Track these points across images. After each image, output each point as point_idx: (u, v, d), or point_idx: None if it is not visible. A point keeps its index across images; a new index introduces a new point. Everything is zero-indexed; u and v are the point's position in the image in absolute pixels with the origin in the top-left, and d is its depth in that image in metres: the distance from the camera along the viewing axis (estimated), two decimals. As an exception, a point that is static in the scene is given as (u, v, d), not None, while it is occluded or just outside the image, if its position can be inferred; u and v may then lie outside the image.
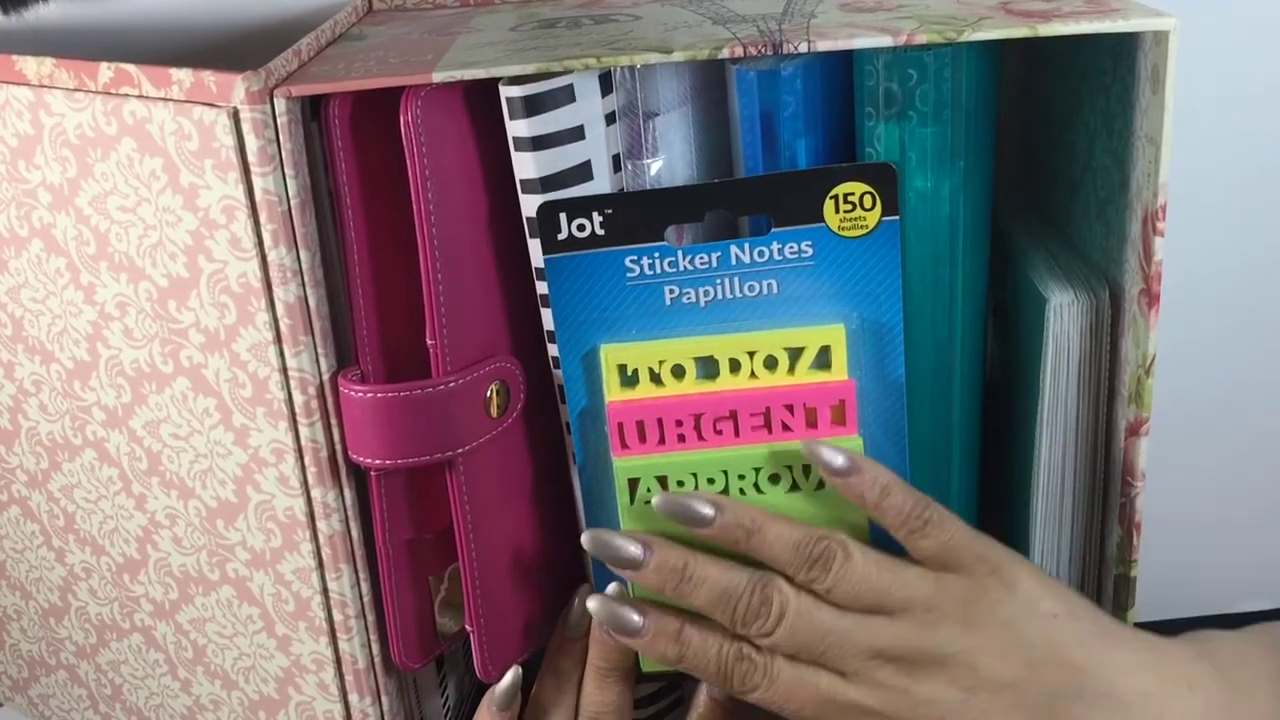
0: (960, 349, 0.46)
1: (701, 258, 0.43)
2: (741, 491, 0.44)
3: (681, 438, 0.44)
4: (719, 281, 0.43)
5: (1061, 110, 0.49)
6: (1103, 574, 0.47)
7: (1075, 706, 0.40)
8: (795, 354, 0.43)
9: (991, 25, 0.39)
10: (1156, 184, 0.40)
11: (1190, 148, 0.49)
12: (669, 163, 0.44)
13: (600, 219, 0.42)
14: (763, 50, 0.39)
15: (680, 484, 0.44)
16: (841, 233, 0.42)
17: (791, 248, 0.43)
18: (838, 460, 0.42)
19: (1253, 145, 0.58)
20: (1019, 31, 0.39)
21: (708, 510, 0.42)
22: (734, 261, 0.43)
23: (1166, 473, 0.51)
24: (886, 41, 0.39)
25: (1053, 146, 0.51)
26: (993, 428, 0.49)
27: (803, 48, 0.39)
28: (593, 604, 0.44)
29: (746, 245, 0.43)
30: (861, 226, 0.42)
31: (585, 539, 0.43)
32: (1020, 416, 0.48)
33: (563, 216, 0.42)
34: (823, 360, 0.43)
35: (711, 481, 0.44)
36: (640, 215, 0.42)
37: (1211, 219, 0.59)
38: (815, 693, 0.42)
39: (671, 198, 0.43)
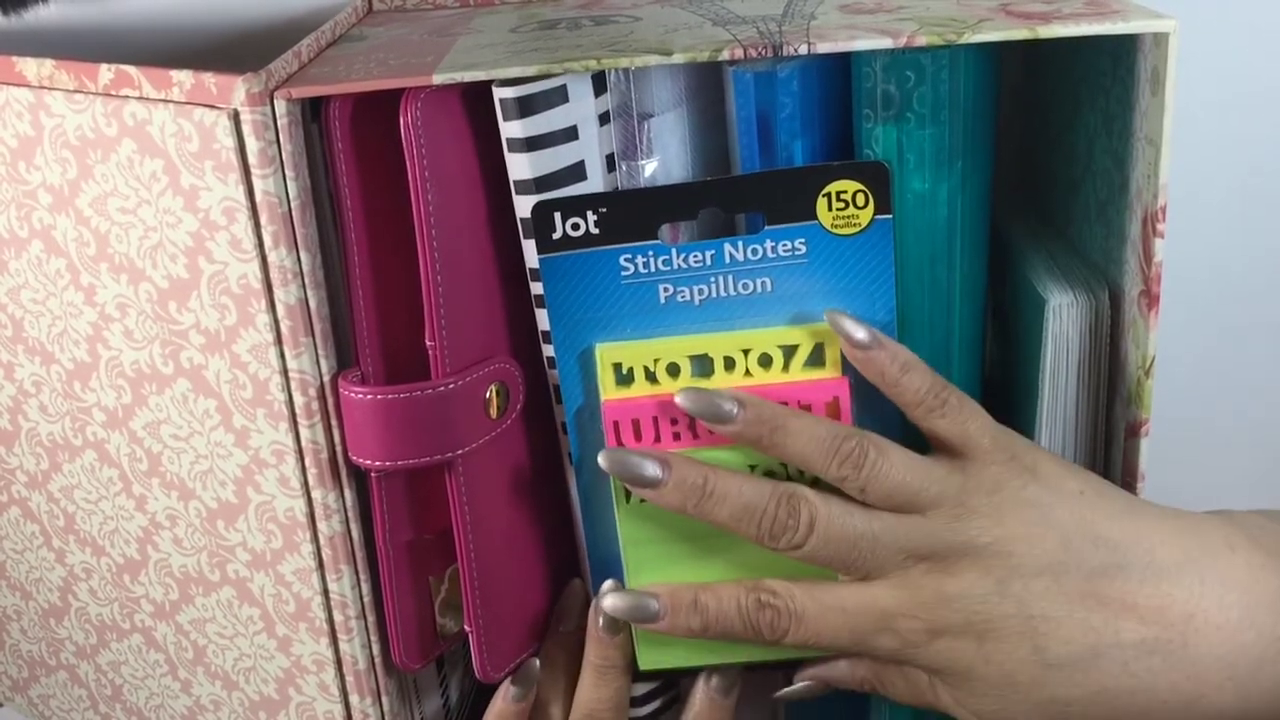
0: (959, 350, 0.46)
1: (695, 256, 0.43)
2: None
3: (677, 436, 0.44)
4: (713, 280, 0.43)
5: (1061, 111, 0.49)
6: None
7: (1117, 580, 0.40)
8: (789, 352, 0.43)
9: (991, 27, 0.39)
10: (1156, 185, 0.40)
11: (1190, 149, 0.49)
12: (664, 164, 0.44)
13: (594, 218, 0.42)
14: (763, 52, 0.39)
15: None
16: (834, 230, 0.43)
17: (785, 246, 0.43)
18: (859, 333, 0.41)
19: (1252, 146, 0.58)
20: (1019, 33, 0.39)
21: (730, 406, 0.41)
22: (728, 260, 0.43)
23: (1166, 474, 0.51)
24: (886, 43, 0.39)
25: (1052, 148, 0.51)
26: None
27: (803, 49, 0.39)
28: (608, 602, 0.44)
29: (740, 244, 0.43)
30: (854, 224, 0.42)
31: (602, 458, 0.42)
32: (1020, 417, 0.48)
33: (557, 216, 0.42)
34: (817, 358, 0.43)
35: None
36: (634, 214, 0.42)
37: (1211, 220, 0.59)
38: (843, 618, 0.41)
39: (665, 196, 0.43)
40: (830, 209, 0.42)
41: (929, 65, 0.41)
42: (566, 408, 0.45)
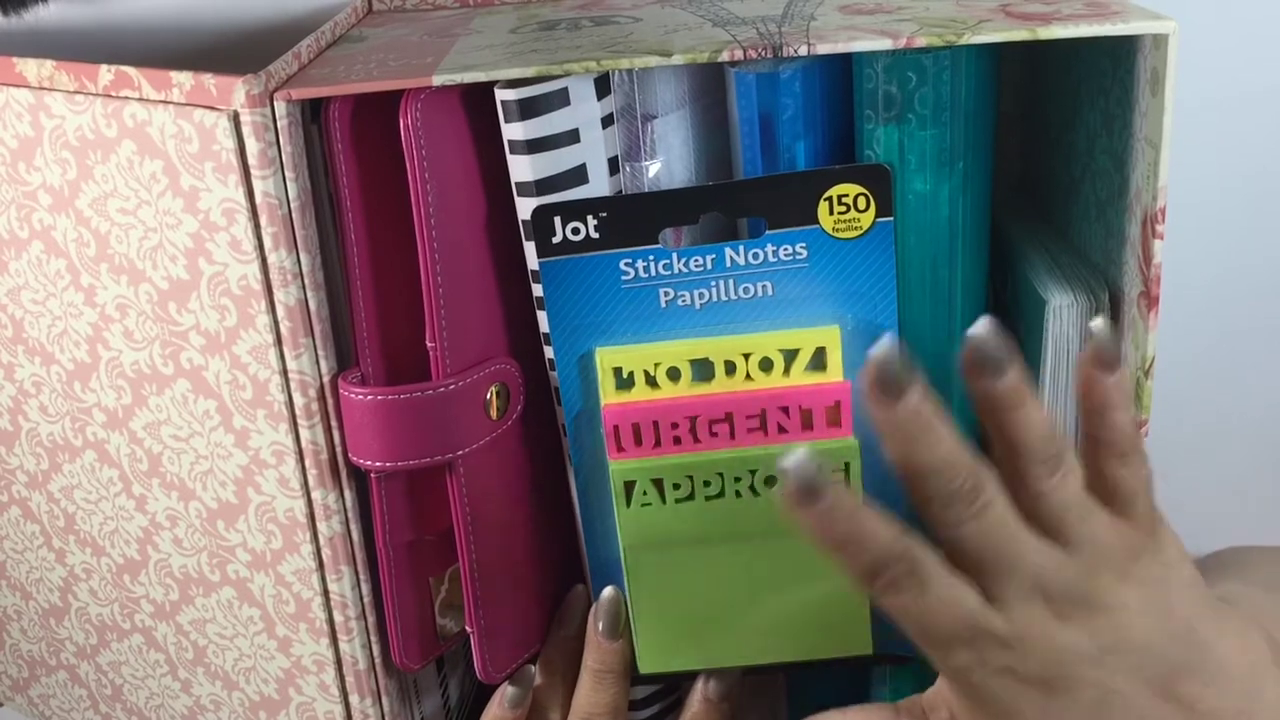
0: (960, 350, 0.46)
1: (696, 260, 0.43)
2: (738, 494, 0.44)
3: (677, 440, 0.44)
4: (714, 284, 0.43)
5: (1061, 112, 0.49)
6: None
7: (1192, 680, 0.39)
8: (790, 356, 0.43)
9: (991, 28, 0.39)
10: (1156, 186, 0.40)
11: (1190, 150, 0.49)
12: (667, 165, 0.44)
13: (595, 222, 0.42)
14: (762, 53, 0.39)
15: (676, 486, 0.44)
16: (836, 234, 0.43)
17: (786, 249, 0.43)
18: (1114, 351, 0.39)
19: (1252, 148, 0.58)
20: (1019, 34, 0.39)
21: (1010, 359, 0.39)
22: (728, 264, 0.43)
23: (1166, 474, 0.51)
24: (886, 44, 0.39)
25: (1052, 148, 0.51)
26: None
27: (802, 50, 0.39)
28: (789, 461, 0.39)
29: (741, 248, 0.43)
30: (856, 228, 0.42)
31: (882, 345, 0.38)
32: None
33: (557, 220, 0.42)
34: (818, 362, 0.43)
35: (707, 484, 0.44)
36: (635, 218, 0.42)
37: (1211, 221, 0.59)
38: (958, 614, 0.39)
39: (666, 200, 0.43)
40: (831, 213, 0.42)
41: (930, 66, 0.41)
42: (566, 411, 0.45)
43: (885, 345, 0.38)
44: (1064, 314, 0.43)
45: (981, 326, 0.39)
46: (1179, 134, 0.39)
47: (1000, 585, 0.39)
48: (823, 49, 0.39)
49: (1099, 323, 0.39)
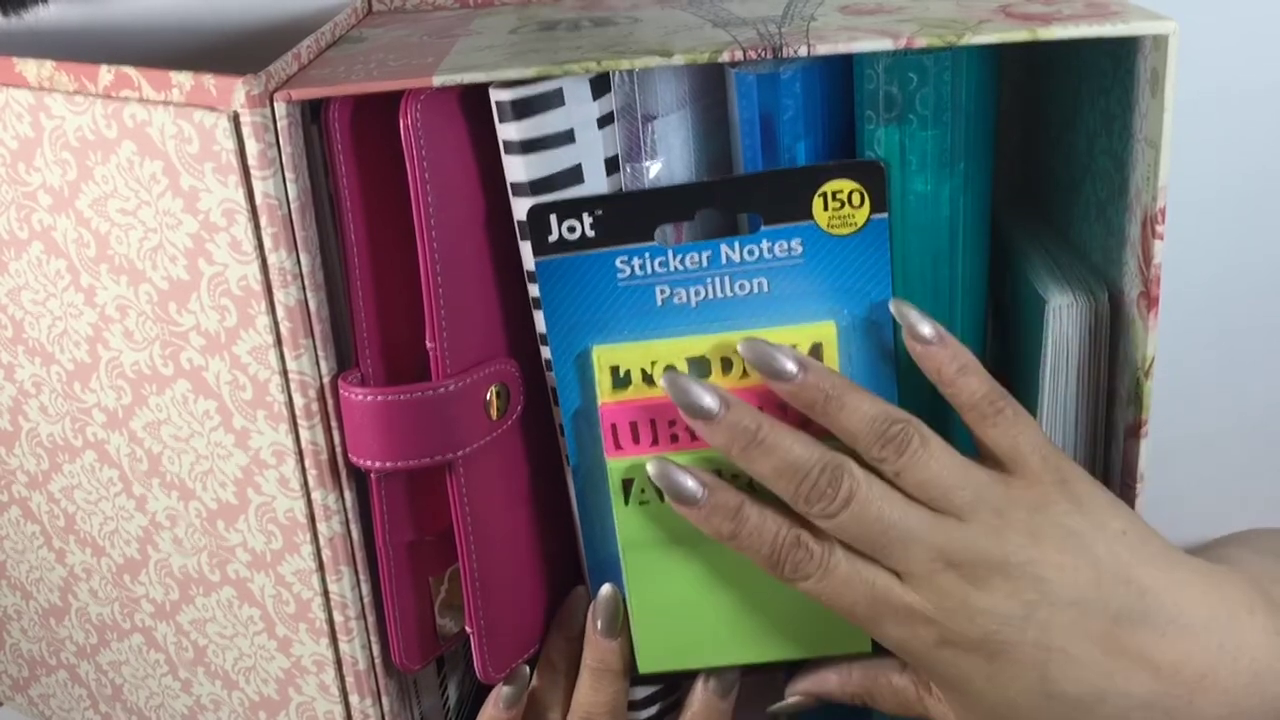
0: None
1: (692, 257, 0.43)
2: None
3: (674, 438, 0.44)
4: (709, 281, 0.43)
5: (1061, 112, 0.49)
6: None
7: (1141, 629, 0.39)
8: None
9: (991, 28, 0.39)
10: (1156, 187, 0.40)
11: (1189, 151, 0.49)
12: (668, 165, 0.44)
13: (590, 220, 0.42)
14: (763, 54, 0.39)
15: None
16: (831, 230, 0.43)
17: (781, 246, 0.43)
18: (924, 327, 0.41)
19: (1252, 148, 0.58)
20: (1019, 35, 0.39)
21: (791, 366, 0.41)
22: (724, 261, 0.43)
23: (1166, 474, 0.51)
24: (886, 45, 0.39)
25: (1052, 148, 0.51)
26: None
27: (802, 51, 0.39)
28: (652, 467, 0.42)
29: (737, 244, 0.43)
30: (851, 224, 0.42)
31: (665, 380, 0.42)
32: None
33: (553, 218, 0.42)
34: (815, 358, 0.43)
35: None
36: (630, 216, 0.42)
37: (1211, 221, 0.59)
38: (869, 591, 0.40)
39: (661, 198, 0.43)
40: (826, 209, 0.42)
41: (931, 67, 0.41)
42: (563, 410, 0.45)
43: (670, 376, 0.42)
44: (1064, 314, 0.43)
45: (748, 343, 0.41)
46: (1179, 134, 0.39)
47: (903, 562, 0.40)
48: (823, 49, 0.39)
49: (897, 304, 0.42)
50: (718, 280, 0.43)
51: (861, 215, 0.42)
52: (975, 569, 0.39)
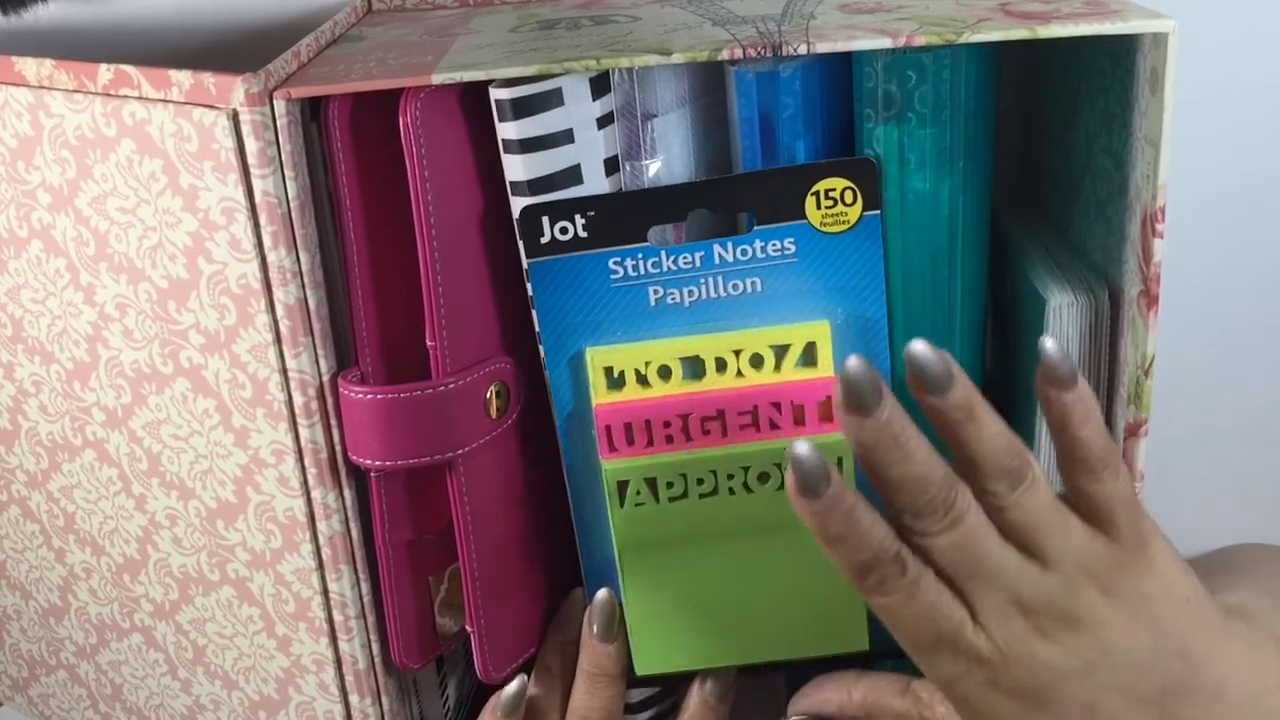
0: (960, 350, 0.46)
1: (685, 257, 0.43)
2: (731, 491, 0.44)
3: (669, 439, 0.44)
4: (703, 281, 0.43)
5: (1061, 111, 0.49)
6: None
7: (1185, 700, 0.39)
8: (781, 351, 0.43)
9: (991, 27, 0.39)
10: (1155, 185, 0.40)
11: (1189, 149, 0.49)
12: (668, 164, 0.44)
13: (583, 221, 0.42)
14: (762, 52, 0.39)
15: (670, 484, 0.44)
16: (823, 229, 0.43)
17: (774, 245, 0.43)
18: (1065, 368, 0.39)
19: (1252, 147, 0.58)
20: (1018, 33, 0.39)
21: (955, 372, 0.39)
22: (717, 261, 0.43)
23: (1166, 474, 0.51)
24: (886, 43, 0.39)
25: (1052, 147, 0.51)
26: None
27: (802, 49, 0.39)
28: (799, 447, 0.39)
29: (730, 244, 0.43)
30: (843, 222, 0.42)
31: (850, 362, 0.39)
32: (1020, 417, 0.48)
33: (545, 219, 0.42)
34: (809, 357, 0.43)
35: (701, 482, 0.44)
36: (623, 216, 0.42)
37: (1211, 220, 0.59)
38: (940, 625, 0.39)
39: (654, 198, 0.43)
40: (819, 207, 0.42)
41: (930, 65, 0.41)
42: (557, 412, 0.45)
43: (854, 362, 0.38)
44: (1064, 313, 0.43)
45: (919, 344, 0.39)
46: (1178, 133, 0.39)
47: (978, 599, 0.39)
48: (822, 48, 0.39)
49: (1048, 343, 0.39)
50: (711, 280, 0.43)
51: (854, 213, 0.42)
52: (1048, 620, 0.39)
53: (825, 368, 0.43)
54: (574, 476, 0.46)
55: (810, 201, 0.42)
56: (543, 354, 0.45)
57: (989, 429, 0.39)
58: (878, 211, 0.42)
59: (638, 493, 0.44)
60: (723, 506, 0.44)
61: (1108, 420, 0.45)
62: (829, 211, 0.42)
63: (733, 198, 0.43)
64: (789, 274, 0.43)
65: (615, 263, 0.43)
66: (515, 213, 0.43)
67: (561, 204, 0.42)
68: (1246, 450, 0.64)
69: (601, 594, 0.46)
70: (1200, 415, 0.62)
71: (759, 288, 0.43)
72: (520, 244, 0.43)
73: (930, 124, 0.42)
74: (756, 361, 0.43)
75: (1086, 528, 0.40)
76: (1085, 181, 0.47)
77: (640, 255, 0.43)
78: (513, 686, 0.47)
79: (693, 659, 0.47)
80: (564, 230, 0.42)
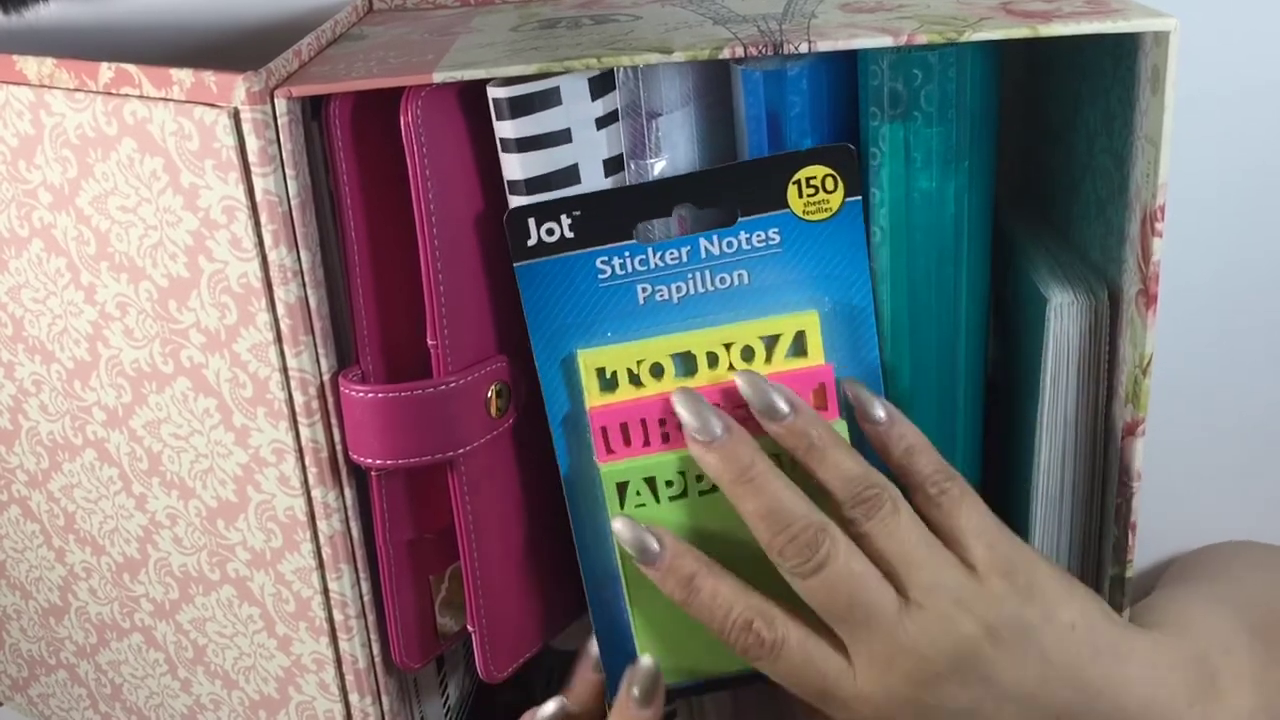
0: (964, 348, 0.46)
1: (672, 253, 0.43)
2: None
3: (666, 437, 0.44)
4: (690, 276, 0.43)
5: (1062, 110, 0.49)
6: (1100, 573, 0.47)
7: None
8: (771, 343, 0.43)
9: (992, 25, 0.39)
10: (1155, 185, 0.40)
11: (1190, 148, 0.49)
12: (672, 162, 0.44)
13: (569, 221, 0.42)
14: (763, 50, 0.40)
15: (669, 483, 0.44)
16: (806, 217, 0.43)
17: (759, 236, 0.43)
18: (877, 410, 0.41)
19: (1252, 146, 0.58)
20: (1020, 32, 0.39)
21: (783, 405, 0.41)
22: (703, 255, 0.43)
23: (1164, 474, 0.51)
24: (887, 42, 0.39)
25: (1053, 146, 0.51)
26: (992, 427, 0.49)
27: (803, 48, 0.39)
28: (617, 524, 0.42)
29: (715, 237, 0.43)
30: (825, 209, 0.43)
31: (676, 396, 0.42)
32: (1019, 416, 0.48)
33: (531, 221, 0.42)
34: (799, 347, 0.43)
35: (700, 479, 0.44)
36: (609, 215, 0.42)
37: (1210, 219, 0.59)
38: (819, 680, 0.40)
39: (638, 195, 0.43)
40: (801, 196, 0.42)
41: (936, 64, 0.41)
42: (551, 417, 0.45)
43: (681, 395, 0.42)
44: (1065, 312, 0.43)
45: (743, 376, 0.41)
46: (1179, 132, 0.39)
47: (862, 643, 0.40)
48: (823, 46, 0.39)
49: (846, 384, 0.42)
50: (698, 275, 0.43)
51: (836, 200, 0.42)
52: (927, 664, 0.39)
53: (815, 356, 0.43)
54: (571, 484, 0.46)
55: (792, 191, 0.42)
56: (535, 359, 0.44)
57: (835, 457, 0.41)
58: (859, 197, 0.43)
59: (638, 493, 0.44)
60: (723, 504, 0.44)
61: (1107, 419, 0.45)
62: (811, 200, 0.42)
63: (716, 190, 0.43)
64: (775, 265, 0.43)
65: (603, 262, 0.43)
66: (513, 212, 0.43)
67: (547, 205, 0.42)
68: (1245, 450, 0.64)
69: (645, 662, 0.45)
70: (1199, 415, 0.62)
71: (746, 280, 0.43)
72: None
73: (936, 122, 0.42)
74: (747, 354, 0.43)
75: (956, 558, 0.40)
76: (1085, 181, 0.47)
77: (628, 253, 0.43)
78: (550, 707, 0.47)
79: (702, 668, 0.46)
80: (550, 231, 0.42)
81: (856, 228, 0.43)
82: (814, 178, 0.42)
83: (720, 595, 0.41)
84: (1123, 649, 0.41)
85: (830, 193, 0.42)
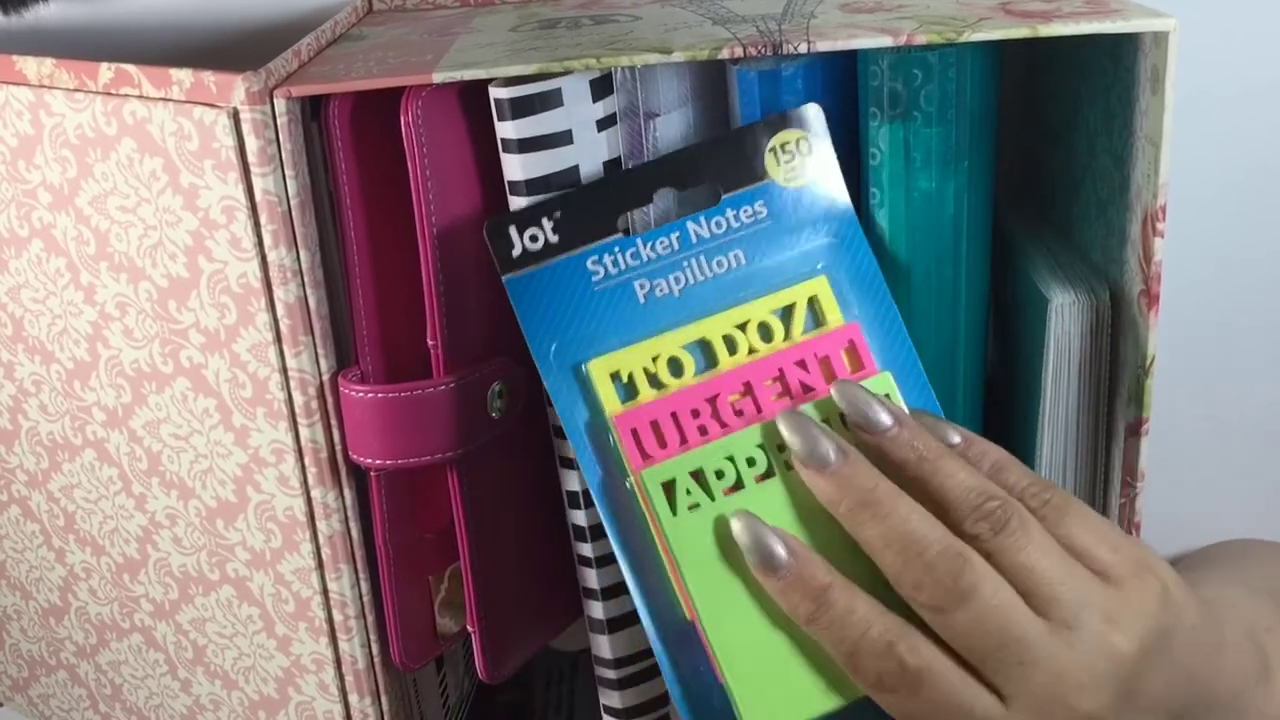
0: (964, 349, 0.46)
1: (662, 242, 0.42)
2: (788, 466, 0.40)
3: (703, 429, 0.40)
4: (685, 265, 0.42)
5: (1062, 110, 0.49)
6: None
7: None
8: (786, 315, 0.42)
9: (991, 25, 0.39)
10: (1156, 185, 0.40)
11: (1190, 148, 0.49)
12: (669, 163, 0.44)
13: (551, 225, 0.41)
14: (762, 50, 0.39)
15: (720, 475, 0.40)
16: (787, 184, 0.42)
17: (746, 211, 0.42)
18: (953, 437, 0.38)
19: (1253, 145, 0.58)
20: (1019, 32, 0.39)
21: (885, 418, 0.37)
22: (694, 239, 0.42)
23: (1166, 474, 0.51)
24: (886, 42, 0.39)
25: (1053, 147, 0.51)
26: (991, 427, 0.49)
27: (802, 48, 0.39)
28: (737, 523, 0.38)
29: (703, 219, 0.42)
30: (803, 174, 0.42)
31: (781, 419, 0.38)
32: (1019, 416, 0.48)
33: (512, 229, 0.41)
34: (815, 316, 0.42)
35: (752, 462, 0.40)
36: (591, 211, 0.41)
37: (1211, 219, 0.59)
38: (964, 718, 0.35)
39: (618, 184, 0.42)
40: (779, 163, 0.42)
41: (935, 64, 0.41)
42: (569, 433, 0.42)
43: (789, 417, 0.38)
44: (1066, 313, 0.43)
45: (838, 387, 0.38)
46: (1179, 132, 0.39)
47: (1017, 684, 0.35)
48: (822, 46, 0.39)
49: (919, 415, 0.39)
50: (693, 262, 0.42)
51: (813, 162, 0.42)
52: (1089, 692, 0.35)
53: (835, 319, 0.42)
54: (605, 498, 0.41)
55: (770, 159, 0.42)
56: (541, 374, 0.42)
57: (948, 468, 0.37)
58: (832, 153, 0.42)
59: (688, 492, 0.40)
60: (785, 488, 0.40)
61: (1109, 419, 0.45)
62: (789, 165, 0.42)
63: (695, 169, 0.42)
64: (766, 239, 0.42)
65: (594, 262, 0.42)
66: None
67: (526, 211, 0.41)
68: (1247, 449, 0.64)
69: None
70: (1201, 414, 0.63)
71: (742, 260, 0.42)
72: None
73: (936, 123, 0.42)
74: (765, 333, 0.41)
75: (1090, 573, 0.36)
76: (1086, 181, 0.47)
77: (617, 248, 0.42)
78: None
79: (812, 704, 0.39)
80: (534, 238, 0.41)
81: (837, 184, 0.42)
82: (789, 143, 0.42)
83: (857, 612, 0.36)
84: (1218, 639, 0.39)
85: (807, 156, 0.42)
